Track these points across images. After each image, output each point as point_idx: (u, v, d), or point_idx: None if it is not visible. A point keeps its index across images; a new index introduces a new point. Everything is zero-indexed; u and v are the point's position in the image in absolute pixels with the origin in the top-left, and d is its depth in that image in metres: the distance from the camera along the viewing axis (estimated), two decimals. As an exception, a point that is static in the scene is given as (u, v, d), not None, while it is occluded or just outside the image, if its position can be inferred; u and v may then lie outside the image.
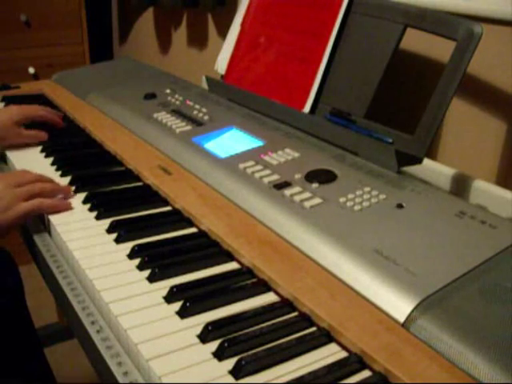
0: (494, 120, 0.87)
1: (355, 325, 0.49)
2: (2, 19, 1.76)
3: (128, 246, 0.65)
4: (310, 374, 0.46)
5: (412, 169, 0.76)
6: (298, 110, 0.89)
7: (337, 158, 0.76)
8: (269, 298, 0.56)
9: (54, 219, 0.72)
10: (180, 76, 1.24)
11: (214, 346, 0.49)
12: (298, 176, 0.72)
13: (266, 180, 0.72)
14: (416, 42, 0.93)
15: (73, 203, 0.76)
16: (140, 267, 0.61)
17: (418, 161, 0.73)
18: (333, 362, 0.47)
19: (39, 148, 0.95)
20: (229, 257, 0.63)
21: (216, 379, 0.46)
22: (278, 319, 0.53)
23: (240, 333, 0.50)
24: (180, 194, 0.74)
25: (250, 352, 0.48)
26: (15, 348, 0.99)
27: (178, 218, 0.71)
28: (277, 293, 0.57)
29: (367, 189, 0.67)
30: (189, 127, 0.91)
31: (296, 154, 0.78)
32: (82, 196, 0.77)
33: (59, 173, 0.85)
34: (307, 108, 0.89)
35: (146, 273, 0.60)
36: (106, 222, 0.70)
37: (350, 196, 0.66)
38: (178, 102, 1.03)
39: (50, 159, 0.90)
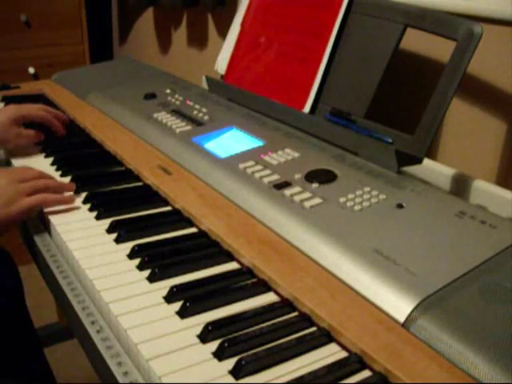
0: (494, 120, 0.87)
1: (355, 325, 0.49)
2: (2, 19, 1.76)
3: (128, 246, 0.65)
4: (310, 374, 0.46)
5: (412, 169, 0.76)
6: (298, 109, 0.89)
7: (337, 158, 0.76)
8: (269, 298, 0.56)
9: (54, 219, 0.72)
10: (180, 76, 1.24)
11: (213, 346, 0.49)
12: (297, 176, 0.72)
13: (265, 180, 0.72)
14: (416, 42, 0.93)
15: (74, 201, 0.76)
16: (140, 267, 0.61)
17: (417, 161, 0.73)
18: (333, 362, 0.47)
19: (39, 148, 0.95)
20: (229, 257, 0.63)
21: (216, 379, 0.46)
22: (278, 319, 0.53)
23: (240, 333, 0.50)
24: (180, 193, 0.74)
25: (250, 352, 0.48)
26: (15, 348, 0.99)
27: (178, 218, 0.71)
28: (277, 293, 0.57)
29: (367, 189, 0.67)
30: (189, 127, 0.91)
31: (296, 154, 0.78)
32: (82, 196, 0.77)
33: (59, 173, 0.85)
34: (307, 108, 0.89)
35: (146, 273, 0.60)
36: (106, 222, 0.70)
37: (350, 196, 0.66)
38: (178, 102, 1.03)
39: (50, 159, 0.90)
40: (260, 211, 0.67)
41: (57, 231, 0.69)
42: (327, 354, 0.49)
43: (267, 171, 0.74)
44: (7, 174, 0.74)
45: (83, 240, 0.67)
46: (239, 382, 0.46)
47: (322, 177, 0.71)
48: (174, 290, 0.56)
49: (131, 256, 0.63)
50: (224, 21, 1.49)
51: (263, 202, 0.68)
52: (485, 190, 0.73)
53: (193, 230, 0.69)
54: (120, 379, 0.49)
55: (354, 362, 0.47)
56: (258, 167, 0.75)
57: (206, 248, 0.65)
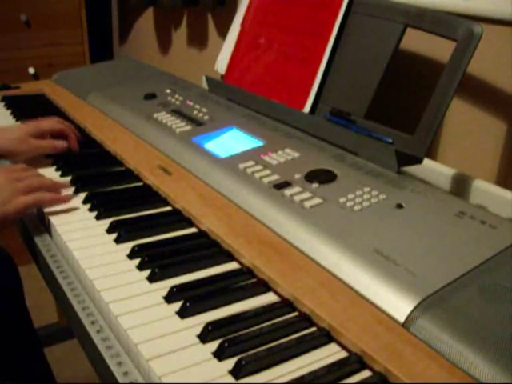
0: (494, 120, 0.87)
1: (355, 325, 0.49)
2: (2, 19, 1.76)
3: (128, 246, 0.65)
4: (310, 374, 0.46)
5: (412, 169, 0.76)
6: (298, 110, 0.89)
7: (337, 158, 0.76)
8: (269, 298, 0.56)
9: (54, 219, 0.72)
10: (180, 76, 1.24)
11: (213, 345, 0.49)
12: (298, 176, 0.72)
13: (265, 180, 0.72)
14: (416, 42, 0.93)
15: (73, 203, 0.76)
16: (140, 267, 0.61)
17: (417, 161, 0.73)
18: (333, 362, 0.47)
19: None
20: (229, 257, 0.63)
21: (216, 379, 0.46)
22: (278, 319, 0.53)
23: (240, 333, 0.50)
24: (180, 193, 0.74)
25: (250, 352, 0.48)
26: (15, 348, 0.99)
27: (178, 218, 0.71)
28: (277, 293, 0.57)
29: (367, 189, 0.67)
30: (189, 127, 0.91)
31: (296, 154, 0.78)
32: (82, 196, 0.77)
33: (59, 173, 0.85)
34: (307, 108, 0.89)
35: (146, 273, 0.60)
36: (106, 222, 0.70)
37: (350, 196, 0.66)
38: (178, 102, 1.03)
39: (50, 159, 0.90)
40: (260, 211, 0.67)
41: (57, 231, 0.69)
42: (327, 354, 0.49)
43: (267, 171, 0.74)
44: (5, 172, 0.74)
45: (83, 240, 0.67)
46: (239, 382, 0.46)
47: (321, 177, 0.71)
48: (174, 290, 0.56)
49: (131, 256, 0.63)
50: (224, 21, 1.49)
51: (263, 202, 0.68)
52: (485, 189, 0.73)
53: (193, 230, 0.69)
54: (120, 379, 0.49)
55: (354, 362, 0.47)
56: (258, 167, 0.75)
57: (206, 248, 0.65)
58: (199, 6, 1.52)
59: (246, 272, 0.60)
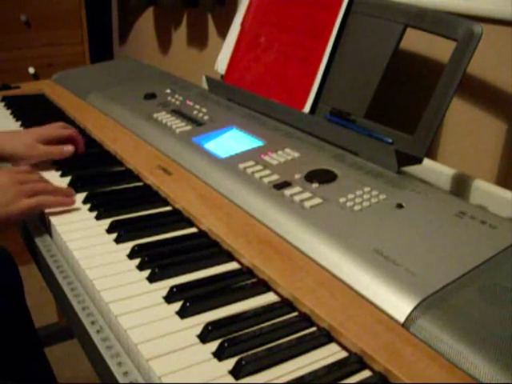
0: (493, 120, 0.87)
1: (355, 325, 0.49)
2: (2, 19, 1.76)
3: (128, 246, 0.65)
4: (310, 373, 0.46)
5: (412, 169, 0.76)
6: (298, 110, 0.89)
7: (337, 158, 0.76)
8: (269, 297, 0.56)
9: (55, 219, 0.72)
10: (180, 76, 1.24)
11: (213, 345, 0.49)
12: (298, 176, 0.72)
13: (265, 180, 0.72)
14: (416, 41, 0.93)
15: (74, 205, 0.76)
16: (140, 267, 0.61)
17: (417, 161, 0.73)
18: (333, 362, 0.47)
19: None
20: (229, 257, 0.63)
21: (216, 379, 0.46)
22: (278, 319, 0.53)
23: (240, 333, 0.50)
24: (180, 193, 0.74)
25: (250, 352, 0.48)
26: (15, 348, 1.00)
27: (178, 218, 0.71)
28: (277, 293, 0.57)
29: (367, 189, 0.67)
30: (189, 127, 0.91)
31: (296, 154, 0.78)
32: (82, 196, 0.77)
33: (59, 173, 0.85)
34: (307, 108, 0.89)
35: (146, 273, 0.60)
36: (106, 222, 0.70)
37: (350, 196, 0.66)
38: (178, 102, 1.03)
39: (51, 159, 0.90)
40: (260, 211, 0.67)
41: (57, 231, 0.69)
42: (327, 354, 0.49)
43: (267, 171, 0.74)
44: (9, 174, 0.74)
45: (83, 240, 0.67)
46: (239, 381, 0.46)
47: (322, 177, 0.71)
48: (174, 290, 0.56)
49: (131, 256, 0.63)
50: (224, 21, 1.49)
51: (263, 201, 0.68)
52: (485, 189, 0.73)
53: (193, 229, 0.69)
54: (120, 379, 0.49)
55: (354, 362, 0.47)
56: (258, 167, 0.75)
57: (206, 248, 0.65)
58: (199, 6, 1.52)
59: (245, 272, 0.60)
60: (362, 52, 0.83)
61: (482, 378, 0.43)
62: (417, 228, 0.60)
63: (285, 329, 0.51)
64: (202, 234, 0.68)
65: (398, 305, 0.50)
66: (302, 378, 0.46)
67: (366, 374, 0.47)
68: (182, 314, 0.53)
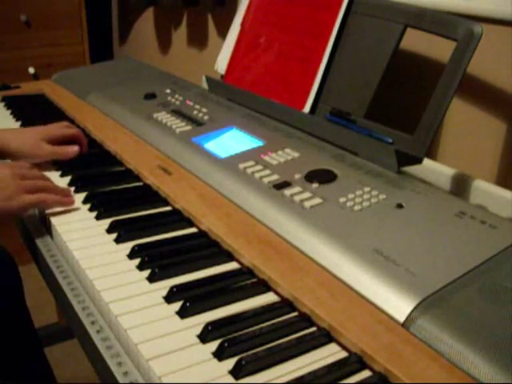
0: (493, 120, 0.87)
1: (355, 325, 0.49)
2: (2, 19, 1.76)
3: (128, 246, 0.65)
4: (309, 373, 0.46)
5: (412, 169, 0.76)
6: (298, 110, 0.89)
7: (337, 158, 0.76)
8: (269, 298, 0.56)
9: (55, 219, 0.72)
10: (180, 76, 1.24)
11: (213, 345, 0.49)
12: (298, 176, 0.72)
13: (265, 180, 0.72)
14: (416, 41, 0.93)
15: (74, 204, 0.76)
16: (140, 267, 0.61)
17: (417, 161, 0.73)
18: (333, 362, 0.47)
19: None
20: (229, 257, 0.63)
21: (216, 379, 0.46)
22: (278, 319, 0.53)
23: (240, 333, 0.50)
24: (180, 193, 0.74)
25: (250, 352, 0.48)
26: (15, 348, 0.99)
27: (178, 218, 0.71)
28: (277, 293, 0.57)
29: (367, 189, 0.67)
30: (189, 127, 0.91)
31: (296, 154, 0.78)
32: (82, 196, 0.77)
33: (59, 173, 0.85)
34: (307, 108, 0.89)
35: (146, 273, 0.60)
36: (106, 222, 0.70)
37: (350, 196, 0.66)
38: (178, 102, 1.03)
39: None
40: (260, 211, 0.67)
41: (57, 231, 0.69)
42: (327, 354, 0.49)
43: (267, 171, 0.74)
44: (11, 169, 0.74)
45: (83, 240, 0.67)
46: (239, 381, 0.46)
47: (322, 177, 0.71)
48: (174, 290, 0.56)
49: (131, 256, 0.63)
50: (224, 21, 1.49)
51: (263, 201, 0.68)
52: (485, 189, 0.73)
53: (193, 230, 0.69)
54: (120, 379, 0.49)
55: (354, 362, 0.47)
56: (258, 167, 0.75)
57: (206, 248, 0.65)
58: (199, 6, 1.52)
59: (245, 272, 0.60)
60: (362, 52, 0.83)
61: (482, 378, 0.43)
62: (417, 228, 0.60)
63: (285, 329, 0.51)
64: (201, 233, 0.68)
65: (398, 305, 0.50)
66: (301, 377, 0.46)
67: (365, 374, 0.47)
68: (182, 313, 0.53)
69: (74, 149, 0.88)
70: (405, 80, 0.97)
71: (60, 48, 1.89)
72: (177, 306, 0.54)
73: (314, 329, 0.52)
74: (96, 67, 1.43)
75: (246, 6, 1.04)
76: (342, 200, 0.65)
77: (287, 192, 0.68)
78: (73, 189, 0.79)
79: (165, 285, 0.58)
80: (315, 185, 0.69)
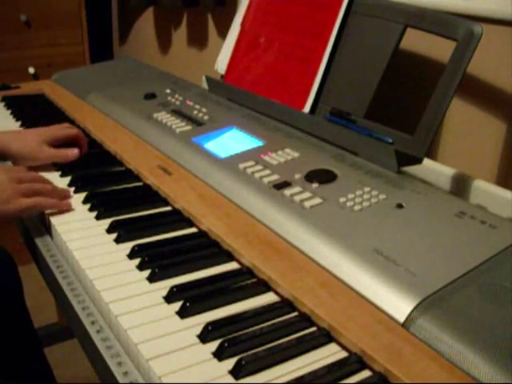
0: (493, 120, 0.87)
1: (355, 325, 0.49)
2: (2, 19, 1.76)
3: (128, 246, 0.65)
4: (310, 373, 0.46)
5: (412, 169, 0.76)
6: (298, 110, 0.89)
7: (337, 158, 0.76)
8: (269, 297, 0.56)
9: (54, 219, 0.72)
10: (180, 76, 1.24)
11: (213, 345, 0.49)
12: (298, 176, 0.72)
13: (265, 180, 0.72)
14: (416, 41, 0.93)
15: (73, 203, 0.76)
16: (140, 267, 0.61)
17: (417, 161, 0.73)
18: (333, 362, 0.47)
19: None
20: (229, 257, 0.63)
21: (216, 379, 0.46)
22: (278, 319, 0.53)
23: (240, 333, 0.50)
24: (180, 193, 0.74)
25: (250, 352, 0.48)
26: (15, 348, 1.00)
27: (178, 218, 0.71)
28: (277, 293, 0.57)
29: (367, 189, 0.67)
30: (189, 127, 0.91)
31: (296, 154, 0.78)
32: (81, 196, 0.77)
33: (59, 173, 0.85)
34: (307, 108, 0.89)
35: (146, 273, 0.60)
36: (106, 222, 0.70)
37: (350, 196, 0.66)
38: (178, 102, 1.03)
39: (50, 159, 0.90)
40: (260, 211, 0.67)
41: (57, 231, 0.69)
42: (327, 354, 0.49)
43: (267, 171, 0.74)
44: (7, 172, 0.74)
45: (83, 240, 0.67)
46: (239, 381, 0.46)
47: (322, 177, 0.71)
48: (174, 289, 0.56)
49: (131, 256, 0.63)
50: (224, 21, 1.49)
51: (263, 201, 0.68)
52: (485, 189, 0.73)
53: (193, 230, 0.69)
54: (120, 379, 0.49)
55: (354, 362, 0.47)
56: (258, 167, 0.75)
57: (206, 248, 0.65)
58: (199, 6, 1.52)
59: (245, 272, 0.60)
60: (362, 52, 0.83)
61: (482, 378, 0.43)
62: (417, 228, 0.60)
63: (285, 329, 0.51)
64: (201, 234, 0.68)
65: (398, 305, 0.50)
66: (301, 377, 0.46)
67: (365, 373, 0.47)
68: (182, 313, 0.53)
69: (73, 152, 0.88)
70: (405, 80, 0.97)
71: (60, 48, 1.89)
72: (177, 306, 0.54)
73: (314, 329, 0.52)
74: (96, 67, 1.43)
75: (246, 6, 1.04)
76: (341, 200, 0.65)
77: (287, 192, 0.68)
78: (73, 189, 0.79)
79: (165, 285, 0.58)
80: (315, 185, 0.69)
